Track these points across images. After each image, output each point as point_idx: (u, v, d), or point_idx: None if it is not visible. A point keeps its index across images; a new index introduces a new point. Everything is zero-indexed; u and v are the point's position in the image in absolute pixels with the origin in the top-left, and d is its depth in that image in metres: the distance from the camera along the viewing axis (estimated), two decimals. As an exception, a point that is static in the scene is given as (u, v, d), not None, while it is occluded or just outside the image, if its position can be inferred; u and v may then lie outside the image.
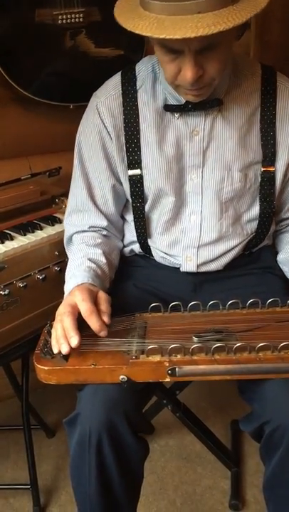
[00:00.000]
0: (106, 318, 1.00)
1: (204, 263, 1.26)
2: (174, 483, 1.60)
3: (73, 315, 0.99)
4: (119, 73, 1.23)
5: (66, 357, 0.98)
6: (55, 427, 1.82)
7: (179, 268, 1.28)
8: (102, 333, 0.99)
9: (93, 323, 0.98)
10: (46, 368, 0.98)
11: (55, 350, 0.98)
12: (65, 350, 0.96)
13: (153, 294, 1.27)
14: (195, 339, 1.02)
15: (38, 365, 0.99)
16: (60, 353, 0.97)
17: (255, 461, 1.64)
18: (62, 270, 1.41)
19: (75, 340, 0.95)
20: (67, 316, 0.98)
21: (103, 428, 1.00)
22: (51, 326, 1.06)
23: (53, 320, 1.05)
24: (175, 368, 0.97)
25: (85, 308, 0.99)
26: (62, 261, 1.44)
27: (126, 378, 0.97)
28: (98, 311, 1.00)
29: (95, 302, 1.02)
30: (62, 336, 0.97)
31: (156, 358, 0.97)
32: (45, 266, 1.41)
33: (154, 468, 1.64)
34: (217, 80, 1.06)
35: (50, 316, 1.43)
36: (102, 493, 1.05)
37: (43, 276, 1.39)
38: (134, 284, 1.29)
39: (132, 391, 1.03)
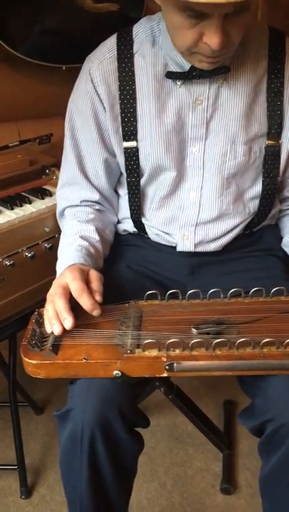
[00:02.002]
0: (98, 297, 0.96)
1: (202, 242, 1.18)
2: (164, 464, 1.57)
3: (65, 296, 0.94)
4: (115, 35, 1.13)
5: (56, 350, 0.92)
6: (44, 404, 1.77)
7: (175, 248, 1.20)
8: (95, 312, 0.95)
9: (84, 302, 0.94)
10: (34, 361, 0.92)
11: (48, 330, 0.94)
12: (57, 330, 0.92)
13: (148, 277, 1.20)
14: (194, 331, 0.95)
15: (26, 359, 0.93)
16: (52, 333, 0.93)
17: (248, 442, 1.61)
18: (53, 247, 1.34)
19: (68, 322, 0.91)
20: (59, 297, 0.94)
21: (96, 425, 0.94)
22: (39, 315, 1.01)
23: (42, 307, 1.00)
24: (173, 363, 0.90)
25: (76, 288, 0.94)
26: (53, 237, 1.36)
27: (120, 373, 0.91)
28: (90, 290, 0.96)
29: (86, 281, 0.97)
30: (54, 317, 0.93)
31: (153, 352, 0.91)
32: (34, 243, 1.33)
33: (144, 449, 1.59)
34: (236, 46, 0.99)
35: (39, 295, 1.37)
36: (94, 489, 1.00)
37: (32, 253, 1.31)
38: (127, 265, 1.22)
39: (127, 385, 0.96)
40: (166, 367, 0.90)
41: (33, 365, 0.92)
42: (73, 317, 0.92)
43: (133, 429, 1.02)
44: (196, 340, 0.90)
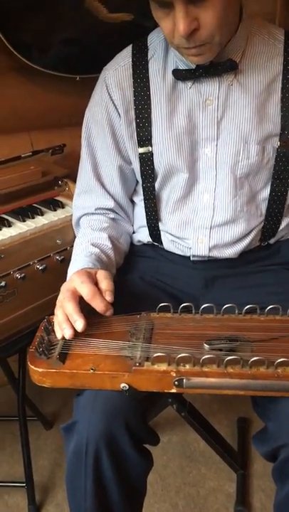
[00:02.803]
0: (109, 297, 0.93)
1: (216, 246, 1.15)
2: (176, 483, 1.53)
3: (74, 299, 0.92)
4: (130, 45, 1.14)
5: (63, 358, 0.90)
6: (53, 418, 1.75)
7: (189, 258, 1.18)
8: (108, 313, 0.92)
9: (97, 304, 0.91)
10: (40, 369, 0.89)
11: (59, 336, 0.92)
12: (68, 334, 0.90)
13: (161, 289, 1.18)
14: (206, 346, 0.91)
15: (32, 366, 0.90)
16: (63, 338, 0.91)
17: (263, 462, 1.56)
18: (65, 259, 1.32)
19: (80, 324, 0.89)
20: (68, 301, 0.92)
21: (102, 439, 0.91)
22: (49, 322, 0.99)
23: (51, 315, 0.98)
24: (183, 379, 0.87)
25: (87, 291, 0.92)
26: (65, 249, 1.34)
27: (127, 386, 0.88)
28: (100, 291, 0.93)
29: (95, 283, 0.95)
30: (65, 321, 0.91)
31: (163, 366, 0.87)
32: (46, 255, 1.31)
33: (155, 467, 1.52)
34: (218, 38, 0.96)
35: (50, 309, 1.34)
36: (99, 509, 0.96)
37: (44, 266, 1.28)
38: (140, 276, 1.19)
39: (136, 398, 0.93)
40: (176, 382, 0.87)
41: (39, 373, 0.89)
42: (84, 319, 0.90)
43: (141, 445, 0.98)
44: (207, 356, 0.86)
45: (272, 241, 1.21)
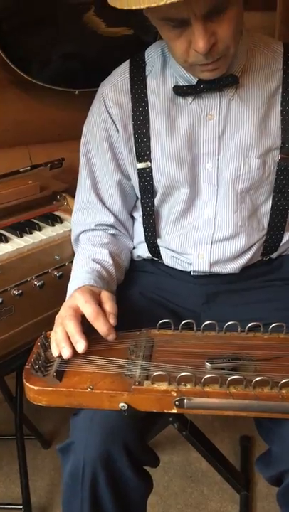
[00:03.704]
0: (112, 320, 0.90)
1: (218, 262, 1.13)
2: (178, 505, 1.49)
3: (76, 318, 0.89)
4: (128, 60, 1.13)
5: (60, 376, 0.87)
6: (51, 437, 1.71)
7: (189, 274, 1.15)
8: (111, 337, 0.89)
9: (100, 326, 0.88)
10: (36, 387, 0.87)
11: (55, 354, 0.88)
12: (66, 354, 0.87)
13: (161, 305, 1.15)
14: (208, 365, 0.89)
15: (28, 384, 0.88)
16: (59, 356, 0.88)
17: (267, 483, 1.51)
18: (63, 275, 1.30)
19: (81, 345, 0.86)
20: (70, 320, 0.89)
21: (99, 461, 0.88)
22: (46, 338, 0.96)
23: (49, 331, 0.96)
24: (183, 399, 0.84)
25: (90, 311, 0.89)
26: (63, 265, 1.32)
27: (126, 406, 0.85)
28: (104, 312, 0.90)
29: (98, 303, 0.92)
30: (64, 339, 0.88)
31: (163, 386, 0.85)
32: (44, 271, 1.29)
33: (156, 488, 1.49)
34: (233, 49, 0.95)
35: (48, 326, 1.32)
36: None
37: (41, 282, 1.26)
38: (140, 292, 1.17)
39: (135, 419, 0.90)
40: (176, 402, 0.84)
41: (35, 391, 0.87)
42: (86, 341, 0.87)
43: (140, 467, 0.95)
44: (209, 376, 0.84)
45: (274, 255, 1.19)
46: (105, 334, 0.88)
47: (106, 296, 0.93)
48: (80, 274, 1.02)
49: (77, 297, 0.92)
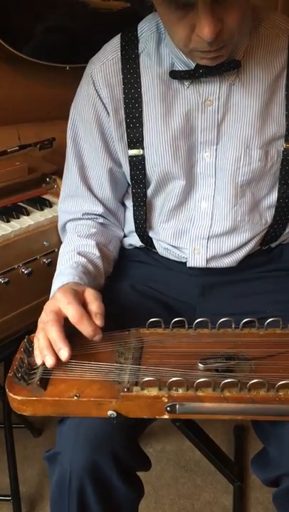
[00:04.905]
0: (99, 321, 0.83)
1: (214, 257, 1.07)
2: (170, 496, 1.46)
3: (58, 322, 0.83)
4: (119, 35, 1.03)
5: (44, 384, 0.82)
6: (42, 425, 1.67)
7: (185, 264, 1.09)
8: (96, 338, 0.83)
9: (85, 328, 0.82)
10: (19, 397, 0.81)
11: (38, 362, 0.83)
12: (50, 362, 0.81)
13: (153, 298, 1.09)
14: (201, 366, 0.84)
15: (10, 394, 0.82)
16: (43, 364, 0.82)
17: (261, 474, 1.49)
18: (52, 262, 1.25)
19: (65, 353, 0.80)
20: (52, 325, 0.82)
21: (86, 472, 0.83)
22: (29, 342, 0.90)
23: (32, 334, 0.89)
24: (175, 404, 0.79)
25: (73, 313, 0.82)
26: (52, 252, 1.27)
27: (115, 414, 0.80)
28: (89, 313, 0.84)
29: (83, 302, 0.86)
30: (47, 347, 0.81)
31: (153, 391, 0.80)
32: (32, 258, 1.24)
33: (148, 478, 1.50)
34: (237, 37, 0.87)
35: (36, 315, 1.27)
36: None
37: (29, 270, 1.21)
38: (131, 284, 1.11)
39: (124, 425, 0.85)
40: (168, 408, 0.80)
41: (18, 401, 0.82)
42: (70, 347, 0.81)
43: (131, 474, 0.91)
44: (201, 380, 0.79)
45: (273, 245, 1.13)
46: (90, 336, 0.82)
47: (91, 295, 0.87)
48: (65, 270, 0.96)
49: (59, 298, 0.85)
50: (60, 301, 0.85)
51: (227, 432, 1.63)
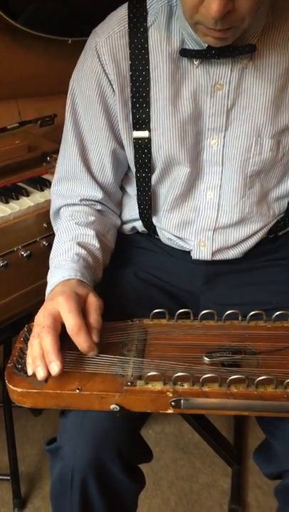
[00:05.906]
0: (95, 336, 0.80)
1: (220, 250, 1.04)
2: (168, 477, 1.47)
3: (55, 331, 0.78)
4: (126, 5, 0.96)
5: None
6: (42, 404, 1.67)
7: (189, 253, 1.06)
8: (91, 354, 0.80)
9: (81, 343, 0.78)
10: (19, 389, 0.79)
11: (30, 371, 0.79)
12: (41, 375, 0.77)
13: (157, 287, 1.06)
14: (206, 359, 0.82)
15: (10, 385, 0.80)
16: (34, 375, 0.78)
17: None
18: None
19: (56, 367, 0.76)
20: (48, 332, 0.77)
21: (89, 468, 0.82)
22: (29, 331, 0.87)
23: (32, 322, 0.85)
24: (180, 399, 0.77)
25: (72, 324, 0.78)
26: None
27: (118, 408, 0.78)
28: (87, 325, 0.80)
29: (83, 310, 0.81)
30: (39, 357, 0.77)
31: (158, 386, 0.78)
32: (31, 240, 1.19)
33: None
34: (247, 23, 0.82)
35: (36, 297, 1.24)
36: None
37: (28, 252, 1.17)
38: (134, 272, 1.07)
39: (127, 418, 0.84)
40: (172, 403, 0.77)
41: (18, 393, 0.79)
42: (62, 361, 0.76)
43: (134, 467, 0.90)
44: (207, 375, 0.77)
45: (280, 233, 1.10)
46: (84, 351, 0.79)
47: (92, 306, 0.82)
48: (65, 262, 0.90)
49: (60, 303, 0.80)
50: (61, 306, 0.80)
51: (227, 416, 1.63)
